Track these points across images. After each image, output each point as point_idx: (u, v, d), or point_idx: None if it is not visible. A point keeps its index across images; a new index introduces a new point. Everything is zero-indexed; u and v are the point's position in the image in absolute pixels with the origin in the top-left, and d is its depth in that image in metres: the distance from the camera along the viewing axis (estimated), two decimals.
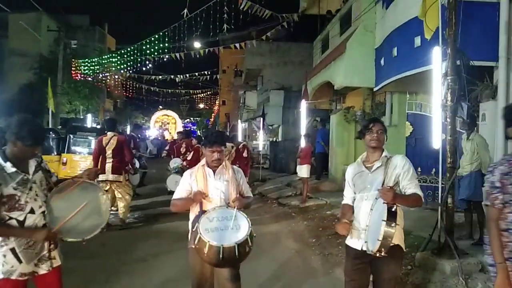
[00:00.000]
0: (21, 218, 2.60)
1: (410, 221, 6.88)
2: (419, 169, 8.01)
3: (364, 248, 2.83)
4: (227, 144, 8.85)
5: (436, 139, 5.42)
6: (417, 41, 7.45)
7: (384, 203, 2.66)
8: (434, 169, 7.66)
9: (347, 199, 3.12)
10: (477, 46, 6.25)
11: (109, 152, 7.32)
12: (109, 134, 7.50)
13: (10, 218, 2.58)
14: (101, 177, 7.23)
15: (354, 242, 2.97)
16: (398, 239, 2.82)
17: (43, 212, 2.70)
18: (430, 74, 5.54)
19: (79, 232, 2.79)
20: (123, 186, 7.52)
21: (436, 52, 5.32)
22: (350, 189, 3.09)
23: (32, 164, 2.72)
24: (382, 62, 9.53)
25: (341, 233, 2.96)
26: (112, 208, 7.10)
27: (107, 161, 7.29)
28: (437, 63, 5.32)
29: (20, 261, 2.61)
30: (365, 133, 3.00)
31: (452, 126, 5.05)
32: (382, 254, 2.65)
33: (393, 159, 2.96)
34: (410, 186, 2.88)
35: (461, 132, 6.77)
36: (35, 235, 2.63)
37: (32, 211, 2.64)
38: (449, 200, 5.02)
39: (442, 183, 5.21)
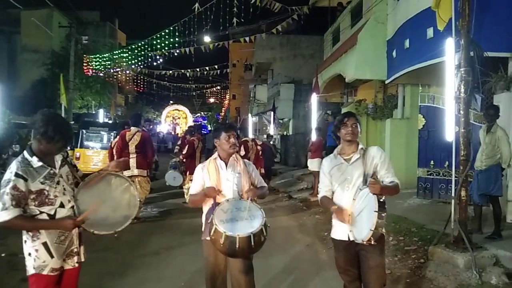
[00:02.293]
0: (51, 212, 2.61)
1: (423, 214, 6.86)
2: (431, 162, 7.95)
3: (351, 238, 2.94)
4: (247, 138, 8.88)
5: (449, 132, 5.36)
6: (430, 32, 7.36)
7: (373, 194, 2.76)
8: (447, 162, 7.59)
9: (323, 191, 3.20)
10: (491, 37, 6.15)
11: (132, 147, 7.34)
12: (133, 129, 7.51)
13: (41, 212, 2.58)
14: (126, 173, 7.19)
15: (340, 233, 3.09)
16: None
17: (72, 207, 2.71)
18: (443, 66, 5.47)
19: (111, 225, 2.80)
20: (145, 182, 7.57)
21: (449, 44, 5.25)
22: (327, 181, 3.17)
23: (58, 159, 2.72)
24: (394, 54, 9.44)
25: (344, 218, 2.98)
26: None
27: (130, 156, 7.30)
28: (450, 54, 5.25)
29: (52, 256, 2.61)
30: (340, 127, 3.12)
31: (466, 119, 4.99)
32: (372, 242, 2.76)
33: (369, 150, 3.09)
34: (388, 175, 3.01)
35: (475, 124, 6.69)
36: (63, 224, 2.61)
37: (62, 205, 2.65)
38: (463, 193, 4.96)
39: (455, 176, 5.15)
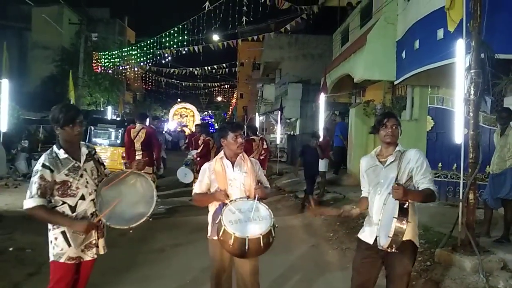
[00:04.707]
0: (72, 204, 2.76)
1: (430, 217, 6.80)
2: (439, 164, 7.89)
3: (378, 244, 2.82)
4: (254, 137, 8.86)
5: (458, 134, 5.31)
6: (440, 33, 7.29)
7: (396, 199, 2.62)
8: (455, 165, 7.53)
9: (364, 192, 3.12)
10: (503, 38, 6.07)
11: (137, 145, 7.40)
12: (138, 126, 7.55)
13: (64, 203, 2.75)
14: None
15: (366, 235, 2.97)
16: (410, 235, 2.80)
17: (92, 200, 2.84)
18: (453, 68, 5.42)
19: (126, 220, 2.90)
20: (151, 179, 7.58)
21: (460, 45, 5.20)
22: (364, 182, 3.09)
23: (84, 153, 2.88)
24: (403, 55, 9.37)
25: (344, 212, 3.03)
26: None
27: (136, 154, 7.35)
28: (460, 56, 5.19)
29: (69, 245, 2.74)
30: (379, 128, 2.96)
31: (475, 121, 4.93)
32: (393, 250, 2.63)
33: (407, 153, 2.90)
34: (423, 181, 2.81)
35: (484, 126, 6.63)
36: (75, 225, 2.73)
37: (82, 198, 2.80)
38: (471, 196, 4.91)
39: (463, 179, 5.10)
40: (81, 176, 2.80)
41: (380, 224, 2.80)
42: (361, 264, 3.00)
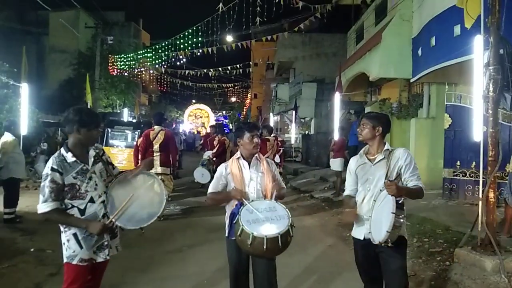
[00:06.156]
0: (82, 207, 2.77)
1: (448, 216, 6.71)
2: (458, 163, 7.77)
3: (368, 237, 2.91)
4: (269, 137, 8.86)
5: (477, 132, 5.22)
6: (457, 30, 7.19)
7: (391, 195, 2.72)
8: (474, 163, 7.40)
9: (347, 190, 3.22)
10: None
11: (156, 146, 7.46)
12: (156, 128, 7.63)
13: (73, 206, 2.75)
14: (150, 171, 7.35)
15: (358, 232, 3.07)
16: (402, 230, 2.89)
17: (102, 202, 2.84)
18: (471, 64, 5.34)
19: (138, 221, 2.92)
20: (168, 180, 7.66)
21: (478, 41, 5.11)
22: (352, 180, 3.18)
23: (91, 155, 2.88)
24: (419, 52, 9.26)
25: (348, 219, 3.10)
26: None
27: (154, 155, 7.42)
28: (478, 52, 5.11)
29: (81, 247, 2.76)
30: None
31: (494, 118, 4.84)
32: (389, 244, 2.75)
33: (395, 151, 3.02)
34: (412, 178, 2.93)
35: (503, 124, 6.50)
36: (90, 227, 2.74)
37: (92, 200, 2.80)
38: (491, 194, 4.82)
39: (483, 177, 5.01)
40: (90, 179, 2.80)
41: (371, 219, 2.89)
42: (362, 261, 3.12)
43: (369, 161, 3.07)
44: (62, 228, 2.81)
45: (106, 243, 2.86)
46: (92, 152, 2.89)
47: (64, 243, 2.79)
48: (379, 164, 3.01)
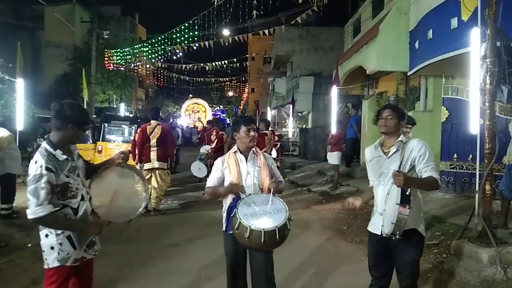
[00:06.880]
0: (75, 206, 2.65)
1: (445, 208, 6.74)
2: (455, 155, 7.78)
3: (382, 232, 2.89)
4: (267, 131, 8.84)
5: (474, 124, 5.23)
6: (454, 22, 7.17)
7: (398, 186, 2.70)
8: (471, 155, 7.42)
9: (371, 181, 3.17)
10: None
11: (153, 141, 7.45)
12: (153, 122, 7.60)
13: (65, 206, 2.60)
14: (147, 165, 7.38)
15: (374, 227, 3.04)
16: (414, 223, 2.86)
17: (90, 199, 2.79)
18: (468, 57, 5.32)
19: (126, 214, 2.95)
20: (165, 175, 7.66)
21: (475, 34, 5.09)
22: (370, 171, 3.16)
23: (74, 151, 2.77)
24: (416, 45, 9.25)
25: (348, 205, 3.05)
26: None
27: (151, 149, 7.41)
28: (475, 45, 5.09)
29: (75, 248, 2.67)
30: (377, 119, 3.08)
31: (491, 111, 4.85)
32: (397, 237, 2.72)
33: (410, 143, 2.95)
34: (426, 169, 2.86)
35: (500, 116, 6.50)
36: (90, 230, 2.71)
37: (82, 198, 2.70)
38: (487, 187, 4.84)
39: (479, 170, 5.02)
40: (78, 175, 2.69)
41: (384, 213, 2.87)
42: (375, 256, 3.08)
43: (384, 154, 3.02)
44: (48, 232, 2.62)
45: (93, 239, 2.83)
46: (73, 147, 2.77)
47: (52, 247, 2.61)
48: (393, 157, 2.96)
